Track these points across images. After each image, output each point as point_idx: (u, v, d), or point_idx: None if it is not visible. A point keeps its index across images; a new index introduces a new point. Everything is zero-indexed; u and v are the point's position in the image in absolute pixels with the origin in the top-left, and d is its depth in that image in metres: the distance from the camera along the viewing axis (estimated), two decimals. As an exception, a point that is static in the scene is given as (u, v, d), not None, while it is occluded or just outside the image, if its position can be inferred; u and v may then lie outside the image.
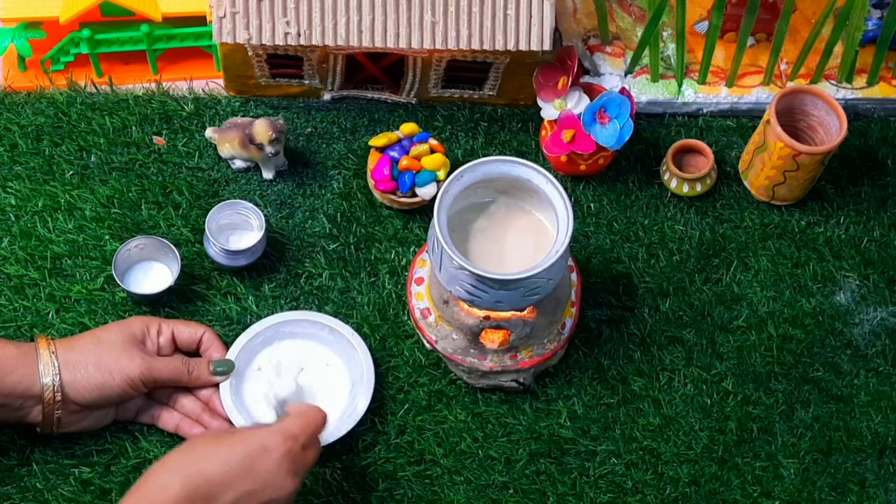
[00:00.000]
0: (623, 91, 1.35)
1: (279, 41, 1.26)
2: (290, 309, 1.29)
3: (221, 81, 1.41)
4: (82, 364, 1.14)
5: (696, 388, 1.30)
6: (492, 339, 1.23)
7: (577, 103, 1.35)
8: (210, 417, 1.21)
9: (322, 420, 1.13)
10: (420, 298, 1.28)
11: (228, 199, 1.34)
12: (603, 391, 1.29)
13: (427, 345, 1.28)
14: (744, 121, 1.45)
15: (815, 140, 1.37)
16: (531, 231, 1.22)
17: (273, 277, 1.31)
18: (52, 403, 1.13)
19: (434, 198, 1.29)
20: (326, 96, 1.41)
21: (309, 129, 1.40)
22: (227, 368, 1.22)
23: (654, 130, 1.44)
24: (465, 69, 1.36)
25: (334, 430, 1.21)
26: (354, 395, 1.24)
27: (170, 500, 1.00)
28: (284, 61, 1.34)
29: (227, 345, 1.25)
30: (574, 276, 1.29)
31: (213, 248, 1.28)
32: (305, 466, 1.10)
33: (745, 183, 1.41)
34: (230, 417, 1.21)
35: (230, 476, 1.03)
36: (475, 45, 1.28)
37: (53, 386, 1.13)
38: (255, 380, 1.24)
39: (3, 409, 1.13)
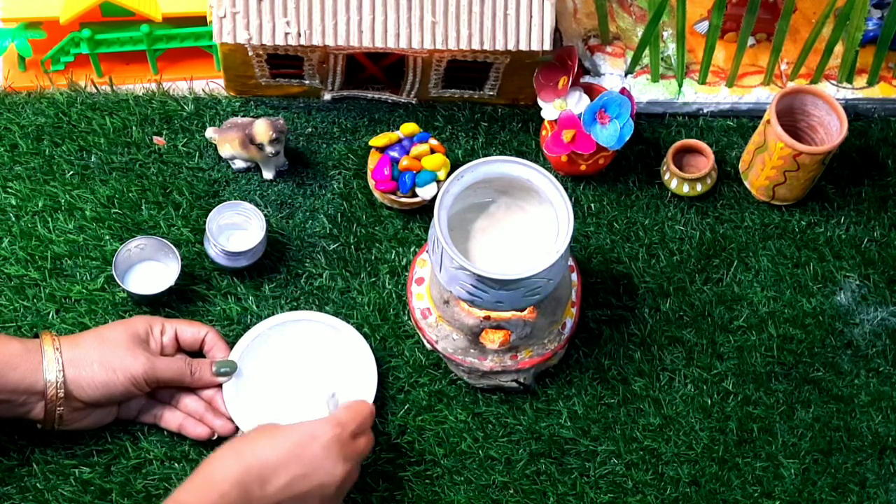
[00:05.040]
0: (623, 91, 1.35)
1: (279, 41, 1.26)
2: (291, 309, 1.29)
3: (221, 81, 1.41)
4: (87, 362, 1.14)
5: (697, 388, 1.30)
6: (492, 339, 1.23)
7: (578, 103, 1.35)
8: (213, 417, 1.21)
9: (370, 411, 1.17)
10: (420, 298, 1.28)
11: (228, 199, 1.34)
12: (603, 391, 1.29)
13: (427, 345, 1.28)
14: (744, 121, 1.45)
15: (815, 140, 1.37)
16: (531, 231, 1.22)
17: (273, 278, 1.31)
18: (55, 400, 1.13)
19: (434, 198, 1.29)
20: (326, 96, 1.41)
21: (309, 129, 1.40)
22: (229, 369, 1.22)
23: (655, 130, 1.44)
24: (466, 69, 1.36)
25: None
26: (356, 395, 1.24)
27: (228, 482, 1.05)
28: (284, 61, 1.34)
29: (230, 345, 1.25)
30: (574, 276, 1.29)
31: (214, 250, 1.28)
32: (357, 453, 1.13)
33: (746, 183, 1.41)
34: (232, 417, 1.21)
35: (282, 461, 1.08)
36: (475, 45, 1.28)
37: (57, 383, 1.13)
38: (260, 382, 1.24)
39: (6, 405, 1.13)
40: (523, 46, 1.29)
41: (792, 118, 1.36)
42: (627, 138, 1.33)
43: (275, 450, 1.08)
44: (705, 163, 1.39)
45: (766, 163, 1.35)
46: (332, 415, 1.14)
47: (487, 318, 1.21)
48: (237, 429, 1.21)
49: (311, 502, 1.09)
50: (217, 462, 1.07)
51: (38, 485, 1.19)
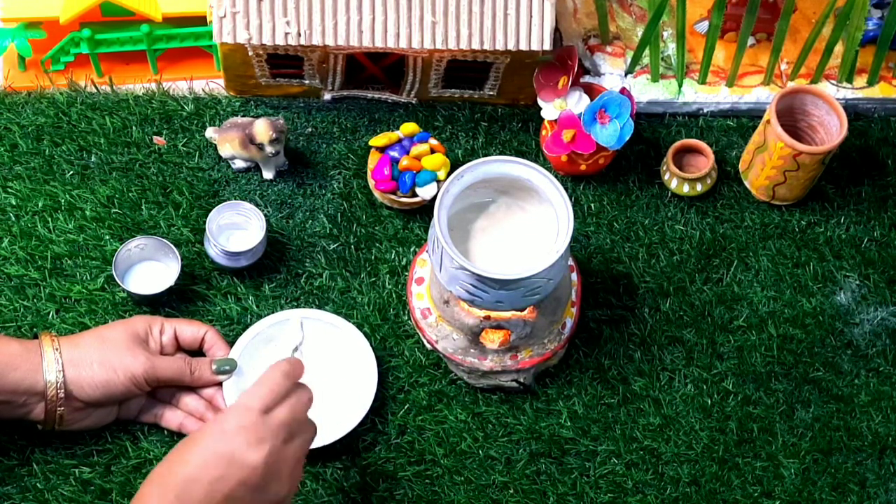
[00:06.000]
0: (623, 91, 1.35)
1: (279, 41, 1.26)
2: (291, 309, 1.29)
3: (221, 81, 1.41)
4: (87, 362, 1.14)
5: (697, 388, 1.30)
6: (492, 339, 1.23)
7: (578, 103, 1.35)
8: (213, 415, 1.21)
9: (282, 373, 1.06)
10: (420, 298, 1.28)
11: (229, 199, 1.34)
12: (603, 391, 1.29)
13: (427, 345, 1.28)
14: (744, 121, 1.45)
15: (815, 140, 1.37)
16: (531, 231, 1.22)
17: (273, 277, 1.31)
18: (55, 400, 1.13)
19: (434, 198, 1.29)
20: (326, 96, 1.41)
21: (309, 129, 1.40)
22: (229, 367, 1.22)
23: (655, 130, 1.44)
24: (466, 69, 1.36)
25: (336, 430, 1.21)
26: (355, 394, 1.24)
27: None
28: (284, 61, 1.34)
29: (230, 344, 1.25)
30: (574, 276, 1.29)
31: (214, 250, 1.28)
32: (275, 427, 1.03)
33: (746, 183, 1.41)
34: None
35: (196, 470, 1.00)
36: (475, 45, 1.28)
37: (57, 383, 1.13)
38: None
39: (7, 406, 1.13)
40: (523, 46, 1.29)
41: (792, 118, 1.36)
42: (627, 138, 1.33)
43: (188, 463, 1.00)
44: (705, 163, 1.39)
45: (766, 163, 1.35)
46: (235, 402, 1.05)
47: (487, 317, 1.21)
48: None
49: (247, 499, 1.01)
50: (143, 493, 1.01)
51: (38, 485, 1.19)
